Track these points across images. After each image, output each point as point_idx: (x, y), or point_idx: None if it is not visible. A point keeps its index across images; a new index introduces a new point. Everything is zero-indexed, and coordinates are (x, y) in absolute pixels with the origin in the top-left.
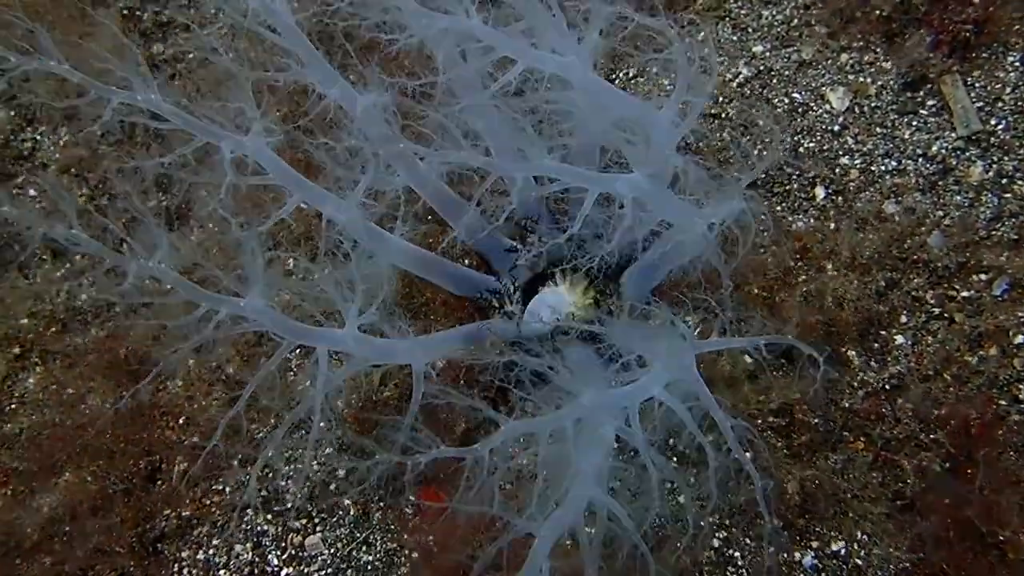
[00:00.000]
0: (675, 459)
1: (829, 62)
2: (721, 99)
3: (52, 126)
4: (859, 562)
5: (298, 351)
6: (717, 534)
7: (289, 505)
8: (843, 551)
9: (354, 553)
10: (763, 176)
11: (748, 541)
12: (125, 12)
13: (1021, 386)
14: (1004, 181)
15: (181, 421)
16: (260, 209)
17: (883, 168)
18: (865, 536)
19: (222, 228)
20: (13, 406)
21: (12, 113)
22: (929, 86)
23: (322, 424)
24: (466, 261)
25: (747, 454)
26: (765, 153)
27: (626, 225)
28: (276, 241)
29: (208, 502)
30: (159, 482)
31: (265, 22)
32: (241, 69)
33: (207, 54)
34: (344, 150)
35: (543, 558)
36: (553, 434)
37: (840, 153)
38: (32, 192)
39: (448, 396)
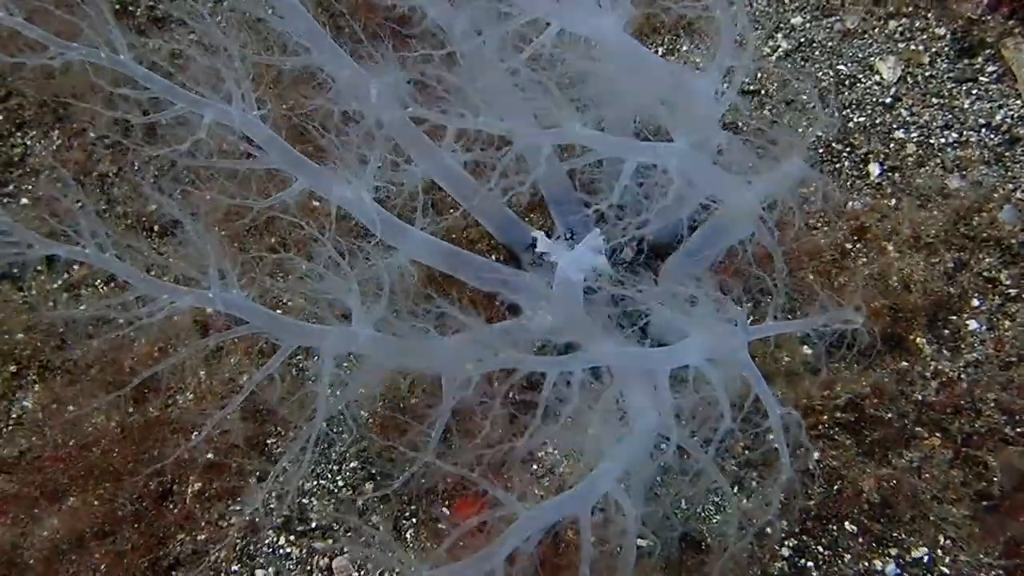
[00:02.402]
0: (734, 461)
1: (876, 30)
2: (760, 75)
3: (43, 130)
4: (946, 570)
5: (316, 358)
6: (787, 542)
7: (313, 524)
8: (927, 558)
9: (385, 574)
10: (811, 153)
11: (821, 549)
12: (117, 7)
13: None
14: None
15: (194, 436)
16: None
17: (943, 141)
18: (949, 541)
19: (224, 230)
20: (11, 428)
21: (1, 118)
22: (988, 51)
23: (344, 435)
24: (493, 256)
25: (815, 454)
26: (814, 124)
27: (673, 196)
28: (284, 242)
29: (225, 524)
30: (171, 504)
31: (267, 5)
32: (243, 51)
33: (209, 39)
34: (357, 137)
35: (512, 543)
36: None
37: (894, 127)
38: (24, 200)
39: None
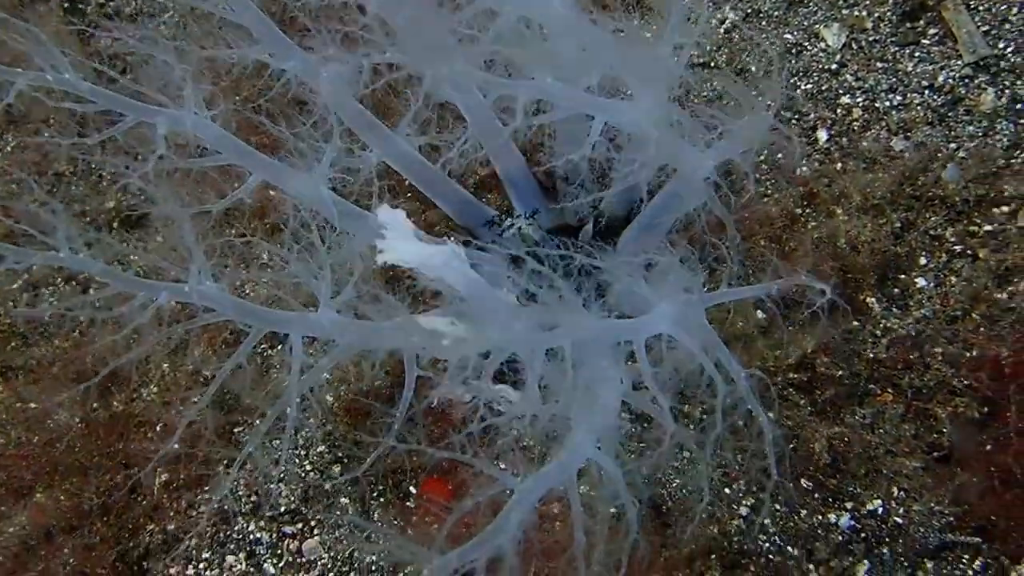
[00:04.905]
0: (690, 426)
1: None
2: (709, 47)
3: None
4: (899, 520)
5: (280, 347)
6: (744, 501)
7: (282, 509)
8: (880, 510)
9: (356, 554)
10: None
11: (778, 507)
12: (66, 4)
13: None
14: (1019, 106)
15: (159, 429)
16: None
17: (887, 104)
18: (902, 492)
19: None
20: None
21: None
22: (929, 14)
23: (311, 420)
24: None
25: (769, 414)
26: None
27: (643, 156)
28: (247, 233)
29: (194, 513)
30: (139, 496)
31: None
32: (190, 49)
33: (150, 46)
34: (310, 127)
35: (517, 517)
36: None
37: (840, 92)
38: None
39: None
